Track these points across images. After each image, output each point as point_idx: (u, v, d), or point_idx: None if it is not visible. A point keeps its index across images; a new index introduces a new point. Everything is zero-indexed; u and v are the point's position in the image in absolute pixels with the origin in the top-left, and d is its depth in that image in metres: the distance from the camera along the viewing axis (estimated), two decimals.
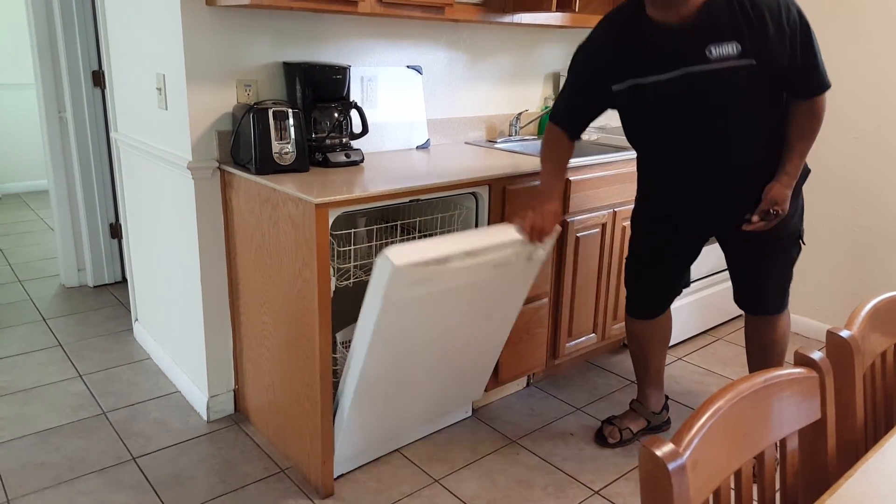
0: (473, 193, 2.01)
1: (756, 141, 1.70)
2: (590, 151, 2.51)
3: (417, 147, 2.46)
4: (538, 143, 2.74)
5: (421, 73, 2.44)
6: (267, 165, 1.84)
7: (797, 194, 1.78)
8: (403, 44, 2.39)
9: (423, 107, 2.46)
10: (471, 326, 1.88)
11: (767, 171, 1.71)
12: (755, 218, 1.69)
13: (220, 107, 1.97)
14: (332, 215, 1.64)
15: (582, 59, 1.80)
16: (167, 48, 1.95)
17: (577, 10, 2.35)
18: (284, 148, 1.86)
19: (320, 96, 2.03)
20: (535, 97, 2.89)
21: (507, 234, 1.72)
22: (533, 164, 2.17)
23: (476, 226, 2.04)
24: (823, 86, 1.65)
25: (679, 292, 2.07)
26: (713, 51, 1.56)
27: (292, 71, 2.03)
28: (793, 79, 1.63)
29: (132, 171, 2.46)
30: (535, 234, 1.72)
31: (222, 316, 2.12)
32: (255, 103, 1.89)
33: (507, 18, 2.37)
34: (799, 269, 2.72)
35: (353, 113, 2.10)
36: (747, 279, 1.93)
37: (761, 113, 1.67)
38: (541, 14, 2.39)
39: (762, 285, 1.91)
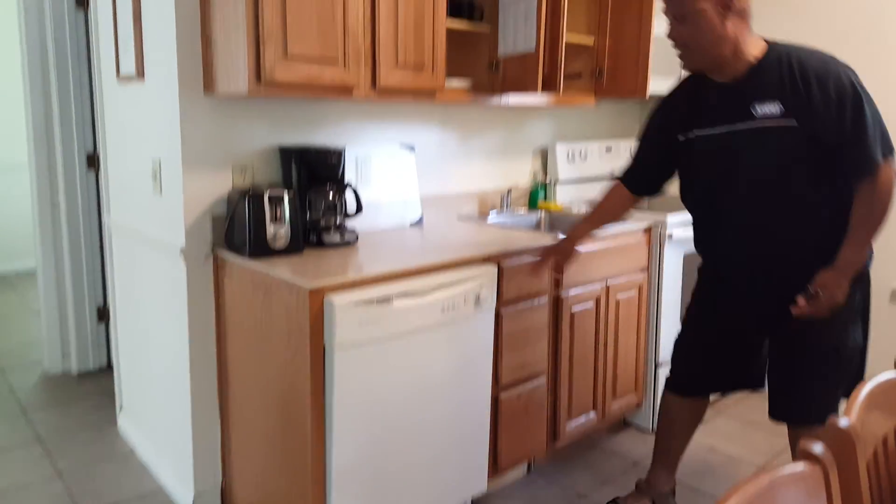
0: None
1: (799, 216, 1.68)
2: None
3: (411, 224, 2.50)
4: (529, 216, 2.81)
5: (414, 152, 2.52)
6: (260, 249, 1.86)
7: (850, 303, 1.70)
8: (397, 124, 2.48)
9: (416, 184, 2.52)
10: (441, 389, 1.89)
11: (814, 259, 1.66)
12: (801, 300, 1.65)
13: (215, 191, 2.02)
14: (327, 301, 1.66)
15: (651, 117, 1.96)
16: (164, 135, 2.02)
17: (560, 91, 2.47)
18: (279, 231, 1.89)
19: (315, 178, 2.08)
20: (524, 172, 2.97)
21: (447, 277, 1.85)
22: (525, 238, 2.22)
23: None
24: (871, 163, 1.57)
25: (737, 385, 2.01)
26: (758, 109, 1.65)
27: (288, 155, 2.10)
28: (843, 154, 1.60)
29: (123, 255, 2.48)
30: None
31: (210, 405, 2.09)
32: (251, 187, 1.94)
33: (496, 100, 2.48)
34: None
35: (348, 193, 2.15)
36: (773, 377, 1.86)
37: (807, 185, 1.65)
38: (527, 95, 2.50)
39: (786, 387, 1.81)
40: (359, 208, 2.14)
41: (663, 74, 2.81)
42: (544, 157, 3.02)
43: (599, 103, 3.12)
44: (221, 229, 2.01)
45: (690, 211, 1.94)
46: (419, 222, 2.53)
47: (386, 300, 1.71)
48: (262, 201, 1.88)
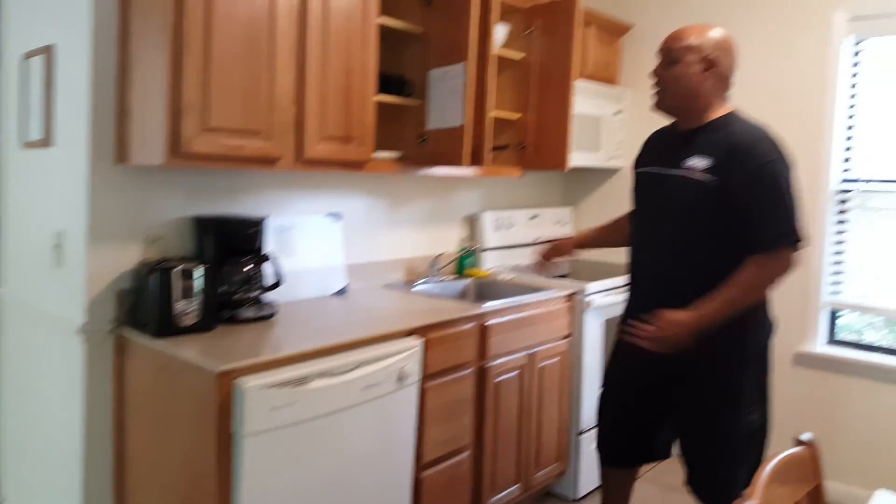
0: None
1: (696, 270, 1.77)
2: (506, 293, 2.61)
3: (335, 293, 2.47)
4: (457, 284, 2.84)
5: (340, 220, 2.51)
6: (167, 327, 1.78)
7: (745, 385, 1.77)
8: (323, 193, 2.47)
9: (341, 252, 2.51)
10: (360, 472, 1.83)
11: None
12: (635, 324, 1.79)
13: (122, 264, 1.93)
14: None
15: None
16: (70, 205, 1.92)
17: (487, 164, 2.55)
18: (188, 307, 1.82)
19: (232, 250, 2.03)
20: (452, 239, 3.01)
21: (369, 352, 1.83)
22: (450, 308, 2.25)
23: None
24: (776, 241, 1.67)
25: (648, 455, 2.04)
26: (689, 161, 1.78)
27: (204, 226, 2.04)
28: (748, 223, 1.70)
29: (15, 331, 2.29)
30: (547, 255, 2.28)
31: (104, 498, 1.94)
32: (161, 260, 1.87)
33: (424, 172, 2.53)
34: None
35: (267, 264, 2.10)
36: (682, 453, 1.90)
37: (711, 244, 1.76)
38: (455, 168, 2.56)
39: (692, 467, 1.87)
40: (278, 281, 2.10)
41: (583, 149, 2.97)
42: (472, 224, 3.08)
43: (525, 174, 3.23)
44: (127, 305, 1.91)
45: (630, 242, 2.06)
46: (343, 291, 2.50)
47: (302, 381, 1.66)
48: (171, 276, 1.80)
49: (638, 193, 2.00)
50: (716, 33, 1.80)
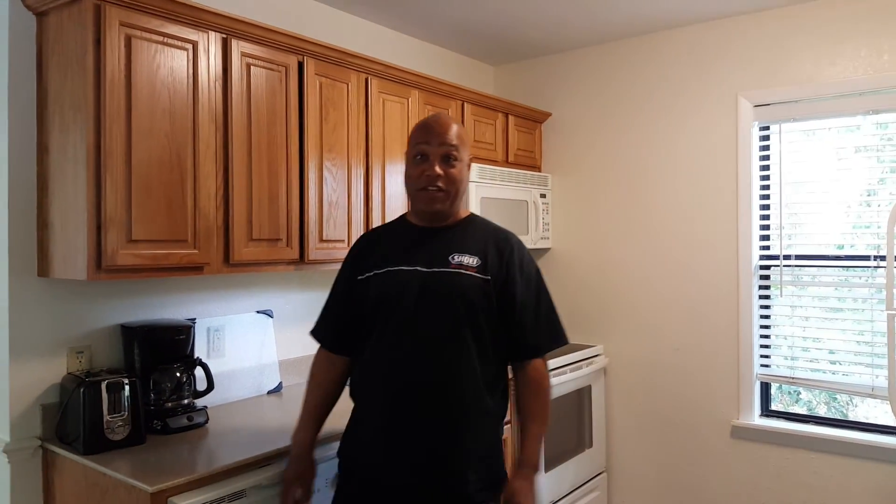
0: None
1: (474, 380, 1.67)
2: None
3: (269, 392, 2.56)
4: None
5: (272, 317, 2.63)
6: (96, 444, 1.85)
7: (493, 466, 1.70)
8: (254, 289, 2.59)
9: (274, 349, 2.61)
10: None
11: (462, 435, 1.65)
12: None
13: (47, 378, 2.00)
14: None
15: (341, 269, 1.92)
16: None
17: None
18: (117, 422, 1.89)
19: (161, 356, 2.12)
20: None
21: None
22: None
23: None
24: (550, 343, 1.73)
25: None
26: (455, 257, 1.71)
27: (131, 334, 2.14)
28: (525, 326, 1.70)
29: None
30: None
31: None
32: (87, 373, 1.95)
33: None
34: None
35: (198, 370, 2.19)
36: None
37: (486, 343, 1.68)
38: None
39: None
40: (210, 385, 2.19)
41: (514, 232, 3.19)
42: None
43: None
44: (53, 420, 1.97)
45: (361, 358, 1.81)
46: (278, 389, 2.59)
47: (238, 495, 1.73)
48: (100, 391, 1.89)
49: (377, 297, 1.75)
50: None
